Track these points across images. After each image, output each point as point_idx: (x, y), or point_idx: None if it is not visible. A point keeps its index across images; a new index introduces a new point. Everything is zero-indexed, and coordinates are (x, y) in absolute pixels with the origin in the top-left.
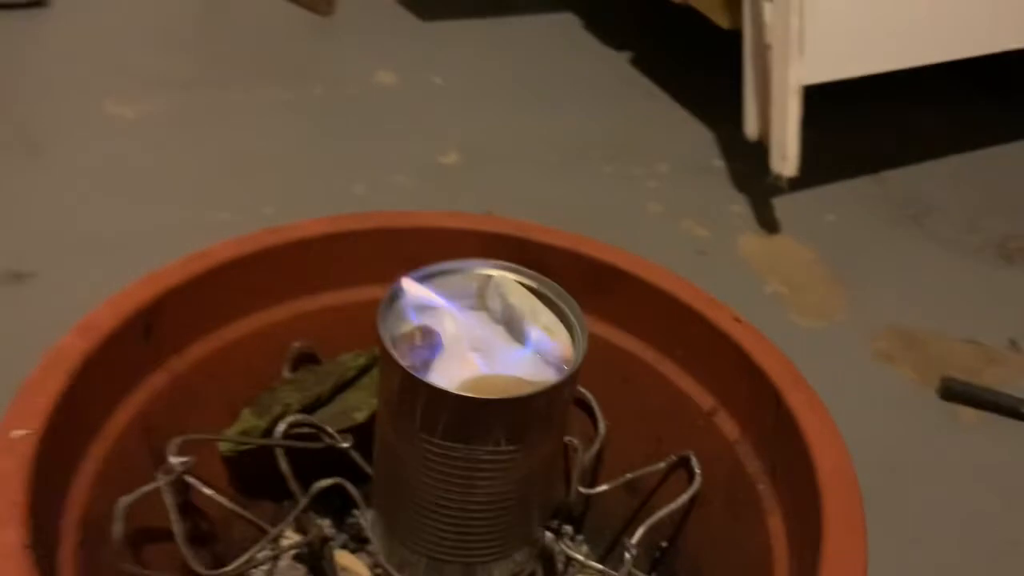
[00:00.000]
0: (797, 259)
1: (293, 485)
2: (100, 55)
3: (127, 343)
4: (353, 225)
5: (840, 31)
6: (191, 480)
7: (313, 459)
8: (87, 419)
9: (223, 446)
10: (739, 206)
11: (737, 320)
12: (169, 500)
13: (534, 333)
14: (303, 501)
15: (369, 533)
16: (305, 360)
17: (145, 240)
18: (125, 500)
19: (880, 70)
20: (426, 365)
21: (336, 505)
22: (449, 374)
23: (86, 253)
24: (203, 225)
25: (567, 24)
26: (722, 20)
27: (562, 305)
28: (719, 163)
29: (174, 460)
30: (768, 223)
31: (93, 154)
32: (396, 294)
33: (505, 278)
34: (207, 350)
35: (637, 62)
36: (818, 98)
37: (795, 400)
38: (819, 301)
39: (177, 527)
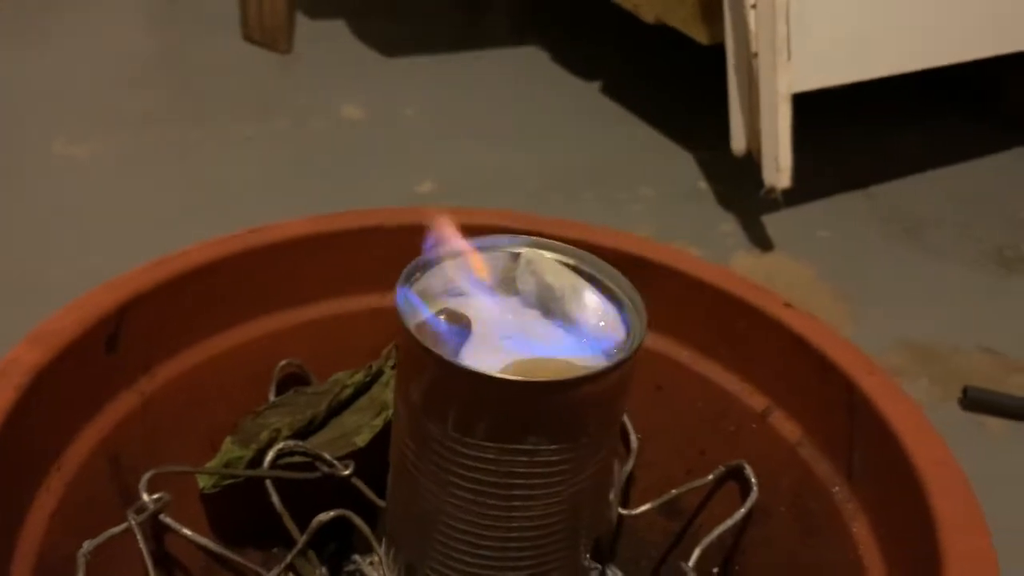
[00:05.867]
0: (795, 276)
1: (288, 521)
2: (46, 94)
3: (88, 357)
4: (345, 223)
5: (828, 38)
6: (167, 521)
7: (307, 493)
8: (42, 445)
9: (203, 481)
10: (729, 225)
11: (788, 306)
12: (142, 544)
13: (576, 313)
14: (302, 539)
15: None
16: (294, 381)
17: (92, 284)
18: (90, 544)
19: (868, 77)
20: (455, 355)
21: (330, 551)
22: (482, 362)
23: (27, 297)
24: None
25: (534, 57)
26: (701, 35)
27: (608, 282)
28: (703, 185)
29: (147, 497)
30: (761, 241)
31: (40, 197)
32: (412, 275)
33: (538, 255)
34: (181, 369)
35: (608, 90)
36: (797, 116)
37: (872, 386)
38: (824, 317)
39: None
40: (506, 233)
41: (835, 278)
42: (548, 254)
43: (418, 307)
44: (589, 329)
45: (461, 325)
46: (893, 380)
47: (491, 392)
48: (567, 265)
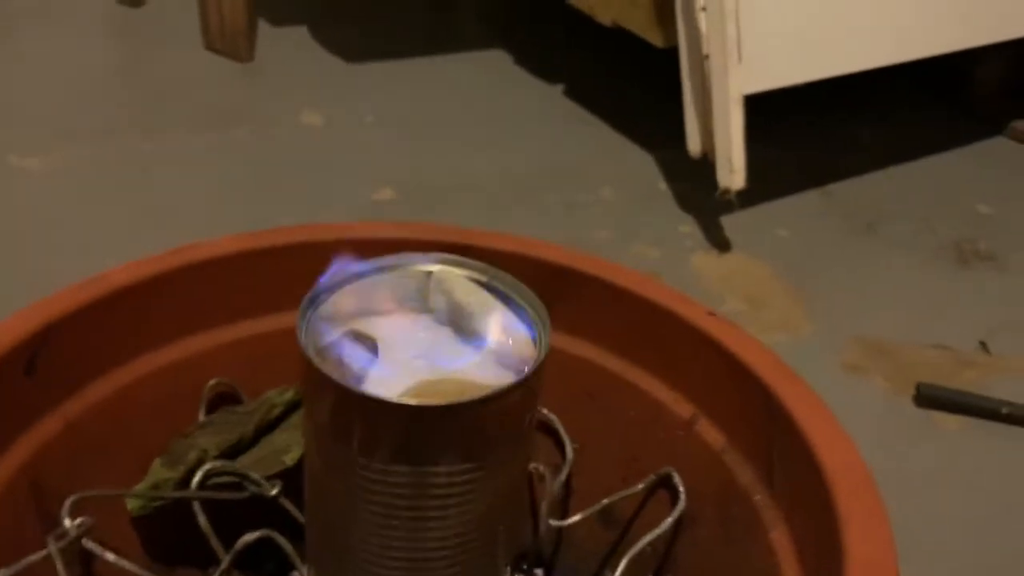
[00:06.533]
0: (753, 275)
1: (214, 542)
2: (1, 107)
3: (5, 382)
4: (274, 240)
5: (778, 39)
6: (90, 546)
7: (239, 513)
8: None
9: (131, 503)
10: (688, 226)
11: (711, 315)
12: (61, 571)
13: (486, 331)
14: (226, 558)
15: None
16: (225, 400)
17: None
18: (5, 572)
19: (820, 76)
20: (360, 377)
21: (269, 570)
22: (388, 384)
23: None
24: None
25: (497, 61)
26: (656, 39)
27: (518, 298)
28: (663, 186)
29: (69, 522)
30: (719, 241)
31: None
32: (318, 297)
33: (449, 272)
34: (107, 391)
35: (571, 93)
36: (755, 114)
37: (787, 394)
38: (781, 316)
39: None
40: (423, 249)
41: (793, 276)
42: (459, 271)
43: (321, 330)
44: (498, 346)
45: (366, 349)
46: (810, 388)
47: (391, 416)
48: (478, 282)
